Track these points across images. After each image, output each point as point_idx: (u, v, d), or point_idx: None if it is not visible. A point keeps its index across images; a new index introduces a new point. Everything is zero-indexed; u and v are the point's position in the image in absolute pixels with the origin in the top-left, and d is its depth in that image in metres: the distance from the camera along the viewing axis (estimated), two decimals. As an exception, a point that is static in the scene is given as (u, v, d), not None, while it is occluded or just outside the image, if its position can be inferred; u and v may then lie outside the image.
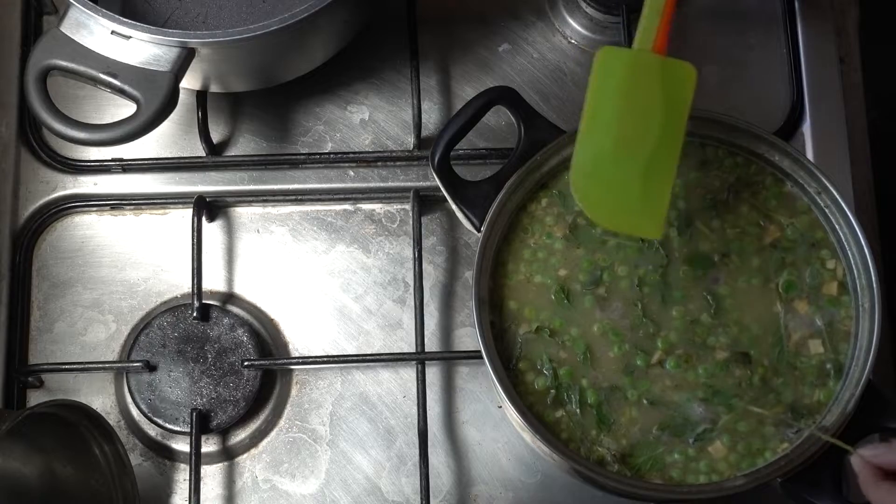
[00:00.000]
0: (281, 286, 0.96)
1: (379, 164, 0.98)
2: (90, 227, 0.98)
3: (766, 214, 0.87)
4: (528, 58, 1.01)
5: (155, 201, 0.98)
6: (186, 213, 0.96)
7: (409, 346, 0.95)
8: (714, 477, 0.81)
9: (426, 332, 0.94)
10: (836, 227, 0.85)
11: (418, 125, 0.96)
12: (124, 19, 0.83)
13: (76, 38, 0.84)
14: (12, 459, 0.89)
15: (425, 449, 0.90)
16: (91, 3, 0.84)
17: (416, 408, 0.92)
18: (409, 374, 0.94)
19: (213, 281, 0.96)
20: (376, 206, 0.98)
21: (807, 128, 0.99)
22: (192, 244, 0.94)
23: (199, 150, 0.98)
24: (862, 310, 0.83)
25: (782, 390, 0.83)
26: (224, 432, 0.93)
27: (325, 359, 0.94)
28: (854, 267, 0.84)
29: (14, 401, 0.93)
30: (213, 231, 0.98)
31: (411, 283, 0.95)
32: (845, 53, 1.02)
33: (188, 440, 0.91)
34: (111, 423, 0.89)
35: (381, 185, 0.98)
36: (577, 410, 0.83)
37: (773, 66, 1.00)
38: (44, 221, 0.97)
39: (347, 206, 0.98)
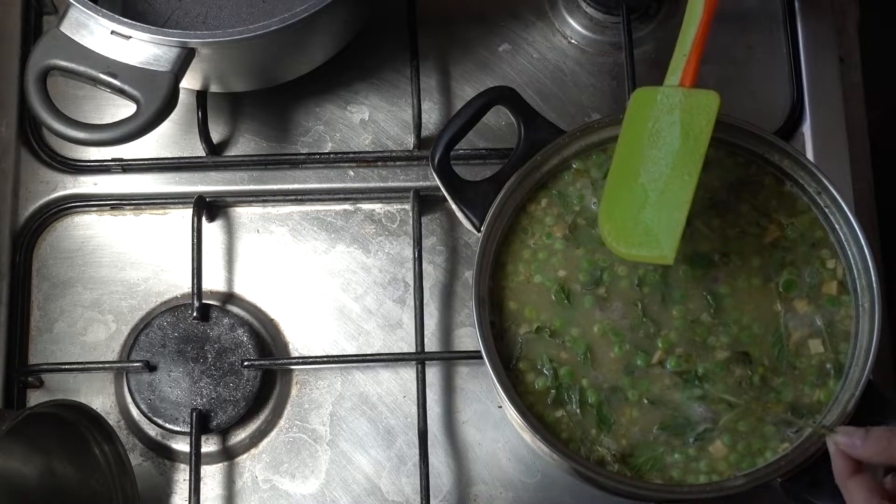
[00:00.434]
0: (281, 286, 0.96)
1: (379, 164, 0.98)
2: (90, 227, 0.98)
3: (766, 214, 0.87)
4: (528, 58, 1.01)
5: (155, 201, 0.98)
6: (186, 213, 0.96)
7: (409, 346, 0.95)
8: (714, 477, 0.81)
9: (426, 332, 0.94)
10: (836, 226, 0.85)
11: (418, 125, 0.96)
12: (124, 19, 0.83)
13: (76, 38, 0.84)
14: (12, 459, 0.89)
15: (425, 449, 0.90)
16: (91, 3, 0.84)
17: (416, 408, 0.92)
18: (409, 374, 0.94)
19: (213, 281, 0.96)
20: (376, 206, 0.98)
21: (807, 128, 0.99)
22: (192, 244, 0.94)
23: (199, 150, 0.98)
24: (862, 310, 0.83)
25: (782, 390, 0.83)
26: (224, 432, 0.93)
27: (325, 359, 0.94)
28: (854, 267, 0.84)
29: (14, 401, 0.93)
30: (213, 231, 0.98)
31: (411, 283, 0.95)
32: (845, 53, 1.02)
33: (188, 440, 0.91)
34: (111, 423, 0.89)
35: (381, 185, 0.98)
36: (578, 410, 0.83)
37: (773, 66, 1.00)
38: (44, 221, 0.97)
39: (347, 206, 0.98)
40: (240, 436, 0.94)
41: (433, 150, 0.87)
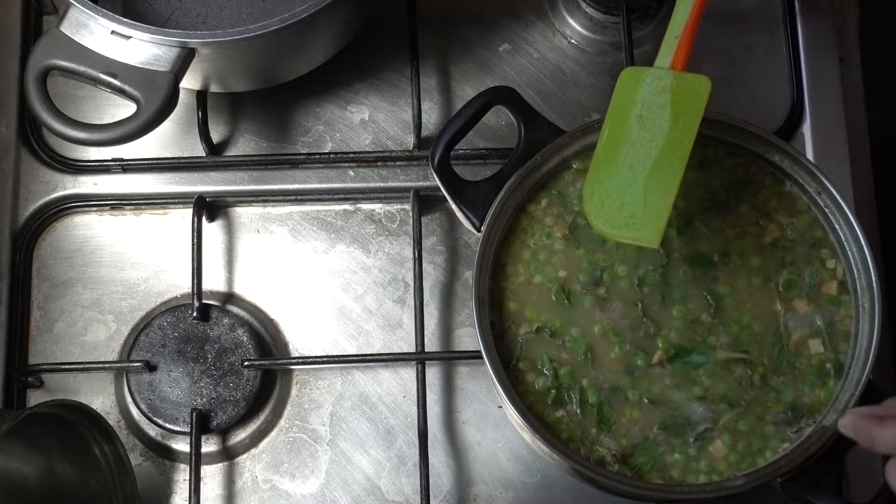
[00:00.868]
0: (281, 286, 0.96)
1: (379, 164, 0.98)
2: (90, 227, 0.98)
3: (766, 214, 0.87)
4: (528, 58, 1.01)
5: (155, 201, 0.98)
6: (186, 213, 0.96)
7: (409, 346, 0.95)
8: (714, 477, 0.81)
9: (426, 332, 0.94)
10: (836, 226, 0.85)
11: (418, 125, 0.96)
12: (124, 19, 0.83)
13: (76, 38, 0.84)
14: (12, 459, 0.89)
15: (425, 449, 0.90)
16: (91, 3, 0.84)
17: (416, 408, 0.92)
18: (409, 374, 0.94)
19: (213, 281, 0.96)
20: (376, 206, 0.98)
21: (807, 128, 0.99)
22: (192, 244, 0.94)
23: (199, 150, 0.98)
24: (862, 310, 0.83)
25: (782, 389, 0.83)
26: (224, 432, 0.93)
27: (325, 359, 0.94)
28: (854, 267, 0.85)
29: (14, 401, 0.93)
30: (213, 231, 0.98)
31: (411, 283, 0.95)
32: (845, 53, 1.02)
33: (188, 440, 0.91)
34: (111, 423, 0.89)
35: (381, 185, 0.98)
36: (578, 410, 0.83)
37: (773, 66, 1.00)
38: (44, 221, 0.97)
39: (347, 206, 0.98)
40: (240, 436, 0.94)
41: (433, 150, 0.87)
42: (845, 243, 0.85)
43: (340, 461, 0.93)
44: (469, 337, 0.95)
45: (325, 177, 0.98)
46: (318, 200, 0.98)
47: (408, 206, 0.97)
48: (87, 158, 0.98)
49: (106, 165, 0.97)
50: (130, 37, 0.84)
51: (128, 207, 0.98)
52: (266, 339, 0.95)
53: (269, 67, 0.94)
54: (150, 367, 0.92)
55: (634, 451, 0.82)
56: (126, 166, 0.97)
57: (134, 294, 0.96)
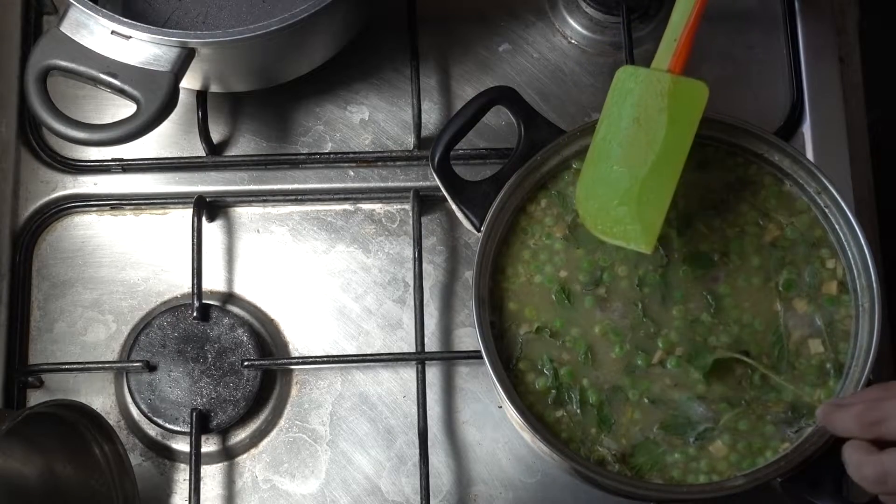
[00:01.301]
0: (281, 286, 0.96)
1: (379, 164, 0.98)
2: (90, 227, 0.98)
3: (766, 214, 0.87)
4: (528, 58, 1.01)
5: (155, 201, 0.98)
6: (186, 213, 0.96)
7: (409, 346, 0.95)
8: (714, 477, 0.81)
9: (426, 332, 0.94)
10: (836, 226, 0.85)
11: (418, 125, 0.96)
12: (124, 19, 0.83)
13: (76, 38, 0.84)
14: (12, 459, 0.89)
15: (425, 449, 0.90)
16: (91, 3, 0.84)
17: (416, 408, 0.92)
18: (409, 374, 0.94)
19: (213, 281, 0.96)
20: (376, 206, 0.98)
21: (807, 128, 0.99)
22: (192, 244, 0.94)
23: (199, 150, 0.98)
24: (862, 309, 0.83)
25: (782, 389, 0.83)
26: (224, 432, 0.93)
27: (325, 359, 0.94)
28: (854, 267, 0.85)
29: (14, 401, 0.93)
30: (213, 231, 0.98)
31: (411, 283, 0.95)
32: (845, 53, 1.02)
33: (188, 440, 0.91)
34: (111, 423, 0.89)
35: (381, 185, 0.98)
36: (578, 410, 0.83)
37: (773, 66, 1.00)
38: (44, 221, 0.97)
39: (347, 206, 0.98)
40: (240, 436, 0.94)
41: (433, 150, 0.87)
42: (845, 243, 0.85)
43: (340, 461, 0.93)
44: (469, 337, 0.95)
45: (325, 177, 0.98)
46: (318, 200, 0.98)
47: (408, 206, 0.97)
48: (87, 158, 0.98)
49: (106, 165, 0.97)
50: (130, 37, 0.84)
51: (128, 207, 0.98)
52: (266, 339, 0.95)
53: (269, 67, 0.94)
54: (150, 367, 0.92)
55: (634, 451, 0.82)
56: (126, 166, 0.97)
57: (134, 294, 0.96)
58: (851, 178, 0.97)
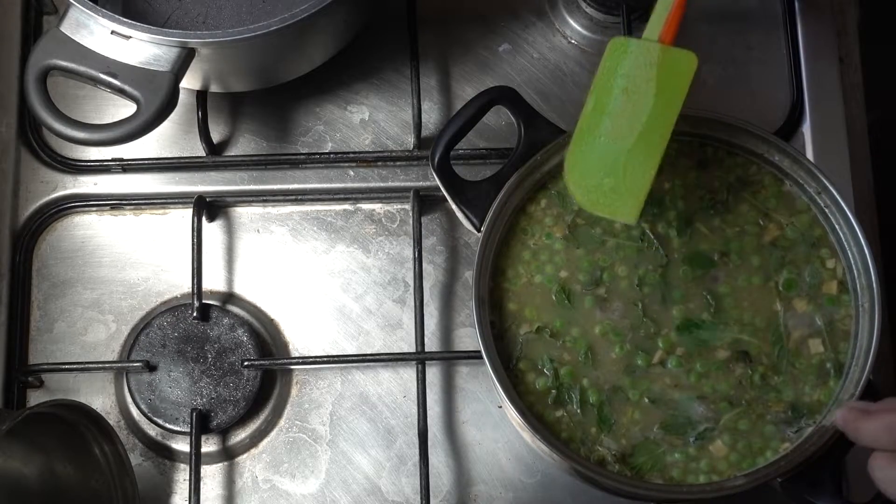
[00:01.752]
0: (281, 286, 0.96)
1: (379, 164, 0.98)
2: (90, 227, 0.98)
3: (766, 213, 0.87)
4: (528, 58, 1.01)
5: (155, 201, 0.98)
6: (186, 213, 0.96)
7: (409, 346, 0.95)
8: (714, 477, 0.81)
9: (426, 332, 0.94)
10: (836, 226, 0.85)
11: (418, 125, 0.96)
12: (124, 19, 0.83)
13: (76, 38, 0.84)
14: (12, 459, 0.89)
15: (425, 449, 0.90)
16: (91, 3, 0.84)
17: (416, 408, 0.92)
18: (409, 374, 0.94)
19: (213, 281, 0.96)
20: (376, 206, 0.98)
21: (807, 128, 0.99)
22: (192, 244, 0.94)
23: (199, 150, 0.98)
24: (862, 309, 0.83)
25: (783, 389, 0.83)
26: (224, 432, 0.93)
27: (325, 359, 0.94)
28: (854, 266, 0.85)
29: (14, 401, 0.93)
30: (213, 231, 0.98)
31: (411, 283, 0.95)
32: (845, 53, 1.02)
33: (188, 440, 0.91)
34: (111, 423, 0.89)
35: (381, 185, 0.98)
36: (578, 410, 0.83)
37: (773, 66, 1.00)
38: (44, 221, 0.97)
39: (347, 206, 0.98)
40: (240, 436, 0.94)
41: (433, 150, 0.87)
42: (845, 243, 0.85)
43: (340, 461, 0.93)
44: (469, 337, 0.95)
45: (325, 177, 0.98)
46: (318, 200, 0.98)
47: (408, 206, 0.97)
48: (87, 158, 0.98)
49: (106, 165, 0.97)
50: (130, 37, 0.84)
51: (128, 207, 0.98)
52: (266, 339, 0.95)
53: (269, 67, 0.94)
54: (150, 367, 0.93)
55: (634, 451, 0.82)
56: (126, 166, 0.97)
57: (134, 294, 0.96)
58: (851, 178, 0.97)
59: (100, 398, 0.94)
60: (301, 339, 0.96)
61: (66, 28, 0.84)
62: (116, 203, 0.98)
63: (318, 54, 0.95)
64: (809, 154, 0.98)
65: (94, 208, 0.98)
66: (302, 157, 0.98)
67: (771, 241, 0.86)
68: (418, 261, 0.94)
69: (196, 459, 0.90)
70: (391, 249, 0.97)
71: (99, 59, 0.84)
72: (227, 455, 0.94)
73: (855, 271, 0.84)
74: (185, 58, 0.84)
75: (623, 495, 0.83)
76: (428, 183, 0.97)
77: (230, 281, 0.97)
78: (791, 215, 0.87)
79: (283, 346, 0.96)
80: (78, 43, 0.84)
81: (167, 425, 0.92)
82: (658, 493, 0.81)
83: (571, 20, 1.02)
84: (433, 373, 0.94)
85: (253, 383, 0.93)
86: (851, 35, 1.03)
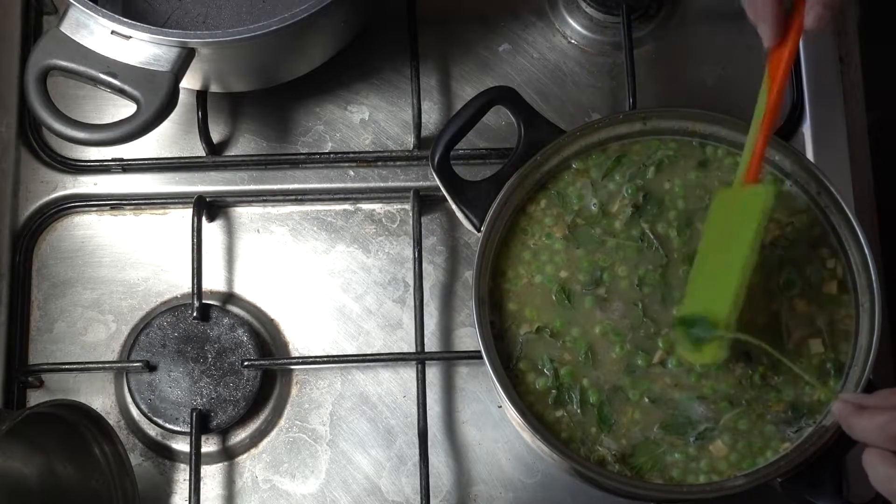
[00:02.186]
0: (281, 286, 0.96)
1: (379, 164, 0.98)
2: (90, 227, 0.98)
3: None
4: (528, 58, 1.01)
5: (155, 201, 0.98)
6: (186, 213, 0.96)
7: (409, 346, 0.95)
8: (714, 477, 0.81)
9: (426, 332, 0.94)
10: (836, 226, 0.85)
11: (418, 125, 0.96)
12: (124, 19, 0.83)
13: (76, 38, 0.84)
14: (12, 459, 0.89)
15: (425, 449, 0.90)
16: (91, 3, 0.84)
17: (416, 408, 0.92)
18: (409, 374, 0.94)
19: (213, 281, 0.96)
20: (376, 206, 0.98)
21: (807, 128, 0.99)
22: (192, 244, 0.94)
23: (199, 150, 0.98)
24: (862, 309, 0.83)
25: (783, 389, 0.83)
26: (224, 432, 0.93)
27: (325, 359, 0.94)
28: (854, 266, 0.85)
29: (14, 401, 0.93)
30: (213, 231, 0.98)
31: (411, 283, 0.95)
32: (845, 53, 1.02)
33: (188, 440, 0.91)
34: (111, 423, 0.89)
35: (381, 185, 0.98)
36: (578, 410, 0.83)
37: (773, 66, 1.00)
38: (44, 221, 0.97)
39: (347, 206, 0.98)
40: (240, 436, 0.94)
41: (433, 150, 0.87)
42: (845, 243, 0.85)
43: (340, 461, 0.93)
44: (469, 337, 0.95)
45: (325, 177, 0.98)
46: (318, 200, 0.98)
47: (408, 206, 0.97)
48: (87, 158, 0.98)
49: (106, 165, 0.97)
50: (130, 37, 0.84)
51: (128, 207, 0.98)
52: (266, 339, 0.95)
53: (269, 67, 0.94)
54: (150, 367, 0.92)
55: (635, 451, 0.82)
56: (126, 166, 0.97)
57: (134, 294, 0.96)
58: (851, 178, 0.97)
59: (100, 398, 0.94)
60: (301, 339, 0.96)
61: (66, 28, 0.84)
62: (116, 203, 0.98)
63: (317, 54, 0.95)
64: (809, 154, 0.98)
65: (94, 208, 0.98)
66: (302, 157, 0.98)
67: (771, 241, 0.86)
68: (418, 261, 0.94)
69: (196, 459, 0.90)
70: (391, 249, 0.97)
71: (99, 59, 0.84)
72: (227, 455, 0.94)
73: (855, 271, 0.84)
74: (185, 58, 0.84)
75: (623, 495, 0.83)
76: (428, 183, 0.97)
77: (230, 281, 0.97)
78: (791, 215, 0.87)
79: (283, 346, 0.96)
80: (78, 43, 0.84)
81: (167, 425, 0.92)
82: (658, 493, 0.81)
83: (571, 20, 1.02)
84: (433, 373, 0.94)
85: (253, 383, 0.93)
86: (851, 35, 1.03)
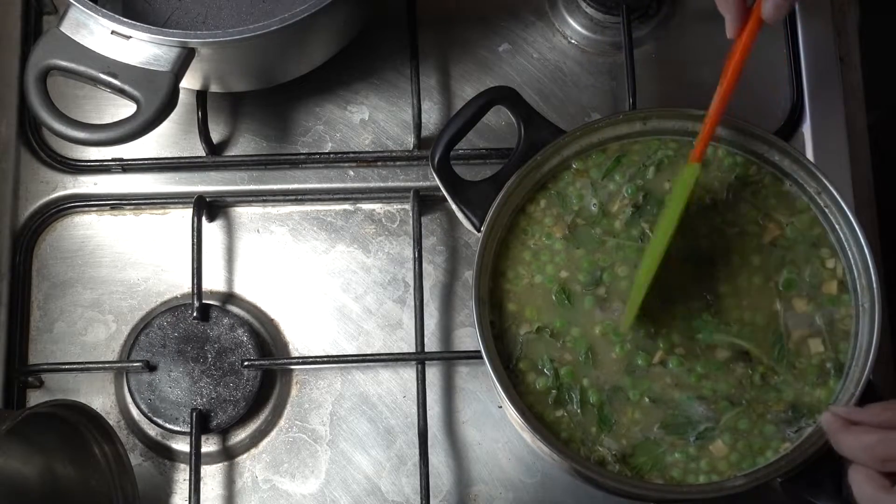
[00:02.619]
0: (281, 286, 0.96)
1: (379, 164, 0.98)
2: (90, 227, 0.98)
3: (766, 213, 0.87)
4: (528, 58, 1.01)
5: (155, 201, 0.98)
6: (186, 213, 0.96)
7: (409, 346, 0.95)
8: (714, 477, 0.81)
9: (426, 332, 0.94)
10: (836, 226, 0.85)
11: (418, 125, 0.96)
12: (124, 19, 0.83)
13: (76, 38, 0.84)
14: (12, 459, 0.89)
15: (425, 449, 0.90)
16: (91, 3, 0.84)
17: (416, 408, 0.92)
18: (409, 374, 0.94)
19: (213, 281, 0.96)
20: (376, 206, 0.98)
21: (807, 128, 0.99)
22: (192, 244, 0.94)
23: (199, 150, 0.98)
24: (862, 309, 0.83)
25: (783, 388, 0.83)
26: (224, 432, 0.93)
27: (325, 359, 0.94)
28: (854, 266, 0.85)
29: (14, 401, 0.93)
30: (213, 231, 0.98)
31: (411, 283, 0.95)
32: (845, 53, 1.02)
33: (188, 440, 0.91)
34: (111, 423, 0.89)
35: (381, 185, 0.98)
36: (578, 410, 0.83)
37: (773, 66, 1.00)
38: (44, 221, 0.97)
39: (347, 206, 0.98)
40: (240, 436, 0.94)
41: (433, 150, 0.87)
42: (845, 243, 0.85)
43: (340, 461, 0.93)
44: (469, 337, 0.95)
45: (325, 177, 0.98)
46: (318, 200, 0.98)
47: (408, 206, 0.97)
48: (87, 158, 0.98)
49: (106, 165, 0.97)
50: (130, 37, 0.84)
51: (128, 207, 0.98)
52: (266, 339, 0.95)
53: (269, 67, 0.94)
54: (150, 367, 0.93)
55: (635, 451, 0.82)
56: (126, 166, 0.97)
57: (134, 294, 0.96)
58: (851, 178, 0.97)
59: (100, 398, 0.94)
60: (301, 339, 0.96)
61: (66, 28, 0.84)
62: (116, 203, 0.98)
63: (318, 54, 0.95)
64: (809, 154, 0.98)
65: (94, 208, 0.98)
66: (302, 157, 0.98)
67: (771, 241, 0.86)
68: (418, 261, 0.94)
69: (196, 459, 0.90)
70: (391, 249, 0.97)
71: (99, 59, 0.84)
72: (227, 455, 0.94)
73: (855, 271, 0.84)
74: (185, 58, 0.84)
75: (623, 495, 0.83)
76: (428, 183, 0.97)
77: (230, 281, 0.97)
78: (791, 215, 0.87)
79: (283, 346, 0.96)
80: (78, 43, 0.84)
81: (167, 425, 0.92)
82: (658, 493, 0.81)
83: (571, 20, 1.02)
84: (433, 373, 0.94)
85: (253, 383, 0.93)
86: (851, 35, 1.03)
